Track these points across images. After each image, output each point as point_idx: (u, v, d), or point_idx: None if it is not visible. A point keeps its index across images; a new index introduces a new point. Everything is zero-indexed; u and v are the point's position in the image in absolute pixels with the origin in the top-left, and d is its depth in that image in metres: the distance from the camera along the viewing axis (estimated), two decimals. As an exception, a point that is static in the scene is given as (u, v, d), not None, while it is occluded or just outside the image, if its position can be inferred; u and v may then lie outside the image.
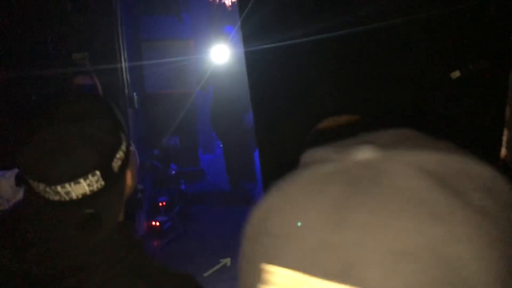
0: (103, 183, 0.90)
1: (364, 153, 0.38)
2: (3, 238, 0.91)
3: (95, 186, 0.89)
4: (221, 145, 5.53)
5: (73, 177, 0.86)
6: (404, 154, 0.36)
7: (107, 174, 0.91)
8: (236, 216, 4.52)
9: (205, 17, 5.68)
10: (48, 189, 0.86)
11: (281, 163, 1.77)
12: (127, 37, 3.98)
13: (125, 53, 3.60)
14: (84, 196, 0.88)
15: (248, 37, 1.73)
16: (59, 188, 0.86)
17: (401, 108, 1.54)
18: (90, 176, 0.88)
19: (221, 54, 4.67)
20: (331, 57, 1.64)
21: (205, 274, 3.40)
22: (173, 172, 5.34)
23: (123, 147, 0.96)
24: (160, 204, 4.54)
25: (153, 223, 4.30)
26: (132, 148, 1.04)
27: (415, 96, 1.55)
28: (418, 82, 1.58)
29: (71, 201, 0.88)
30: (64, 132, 0.87)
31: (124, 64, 3.57)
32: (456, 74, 1.41)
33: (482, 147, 1.41)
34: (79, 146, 0.87)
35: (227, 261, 3.55)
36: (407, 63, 1.59)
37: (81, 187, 0.87)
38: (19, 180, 1.69)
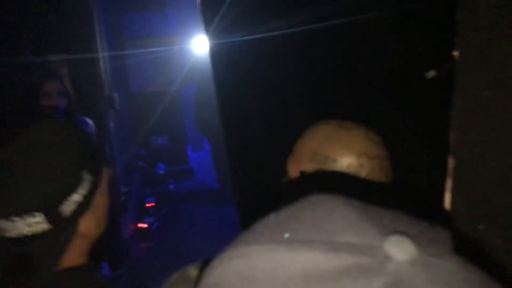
0: (48, 226, 0.82)
1: (402, 253, 0.33)
2: None
3: (39, 227, 0.81)
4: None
5: (7, 215, 0.79)
6: (442, 264, 0.33)
7: (51, 217, 0.82)
8: (224, 215, 4.47)
9: (190, 13, 5.57)
10: None
11: (249, 162, 1.71)
12: (109, 35, 3.88)
13: (105, 53, 3.51)
14: (24, 237, 0.81)
15: (213, 36, 1.66)
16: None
17: (373, 109, 1.48)
18: (27, 217, 0.80)
19: (202, 45, 4.60)
20: (299, 53, 1.57)
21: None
22: (162, 172, 5.28)
23: (82, 190, 0.86)
24: (148, 205, 4.48)
25: (141, 225, 4.24)
26: (103, 188, 0.94)
27: (389, 96, 1.49)
28: (391, 82, 1.51)
29: (8, 239, 0.81)
30: (14, 163, 0.80)
31: (103, 64, 3.48)
32: (431, 73, 1.34)
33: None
34: (23, 183, 0.80)
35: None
36: (380, 62, 1.52)
37: (17, 227, 0.80)
38: None
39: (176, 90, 5.31)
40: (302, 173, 1.00)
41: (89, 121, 2.60)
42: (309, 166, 0.99)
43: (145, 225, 4.24)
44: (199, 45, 4.71)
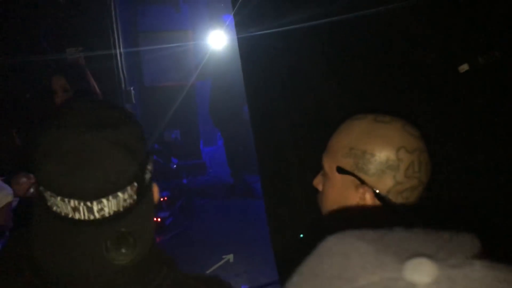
0: (135, 197, 0.78)
1: (423, 276, 0.32)
2: (18, 265, 0.80)
3: (128, 202, 0.77)
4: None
5: (112, 190, 0.74)
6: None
7: (142, 187, 0.79)
8: (238, 209, 4.46)
9: (204, 6, 5.56)
10: (81, 206, 0.74)
11: (278, 155, 1.70)
12: (123, 29, 3.88)
13: (121, 46, 3.51)
14: (116, 214, 0.76)
15: (241, 23, 1.64)
16: (94, 204, 0.74)
17: (403, 103, 1.46)
18: (129, 189, 0.76)
19: (218, 40, 4.58)
20: (328, 44, 1.55)
21: (208, 271, 3.35)
22: (174, 166, 5.28)
23: (151, 157, 0.84)
24: (162, 199, 4.49)
25: (155, 219, 4.25)
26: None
27: (419, 90, 1.46)
28: (422, 76, 1.48)
29: (102, 219, 0.76)
30: (93, 140, 0.74)
31: (120, 58, 3.49)
32: (464, 67, 1.31)
33: (497, 149, 1.33)
34: (114, 153, 0.74)
35: (230, 257, 3.50)
36: (410, 53, 1.49)
37: (117, 202, 0.75)
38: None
39: (190, 85, 5.31)
40: (339, 169, 0.99)
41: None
42: (346, 162, 0.97)
43: (159, 219, 4.25)
44: (214, 40, 4.69)
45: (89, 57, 3.18)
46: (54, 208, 0.76)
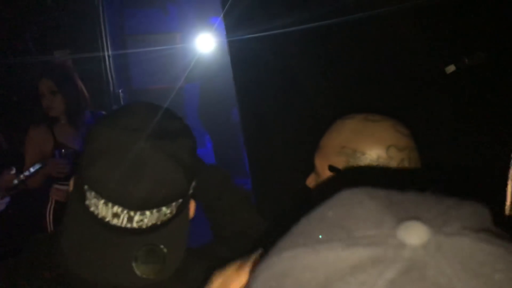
0: (174, 211, 0.75)
1: (414, 237, 0.34)
2: (45, 267, 0.77)
3: (167, 216, 0.74)
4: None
5: (158, 204, 0.72)
6: (453, 241, 0.34)
7: (184, 202, 0.76)
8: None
9: (192, 9, 5.55)
10: (123, 214, 0.71)
11: (269, 157, 1.70)
12: (112, 31, 3.86)
13: (109, 49, 3.49)
14: (153, 226, 0.73)
15: (231, 26, 1.65)
16: (137, 214, 0.71)
17: (392, 103, 1.48)
18: (173, 205, 0.73)
19: (206, 42, 4.57)
20: (318, 47, 1.56)
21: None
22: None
23: (198, 172, 0.80)
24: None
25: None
26: None
27: (407, 91, 1.49)
28: (410, 76, 1.51)
29: (138, 229, 0.72)
30: (151, 149, 0.71)
31: (108, 60, 3.47)
32: (451, 68, 1.34)
33: (482, 148, 1.35)
34: (169, 167, 0.72)
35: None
36: (398, 56, 1.52)
37: (158, 216, 0.73)
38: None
39: (178, 87, 5.30)
40: (331, 168, 1.00)
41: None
42: (338, 160, 0.99)
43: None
44: (203, 42, 4.69)
45: (77, 60, 3.16)
46: (92, 209, 0.73)
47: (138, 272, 0.73)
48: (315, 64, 1.53)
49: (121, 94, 3.58)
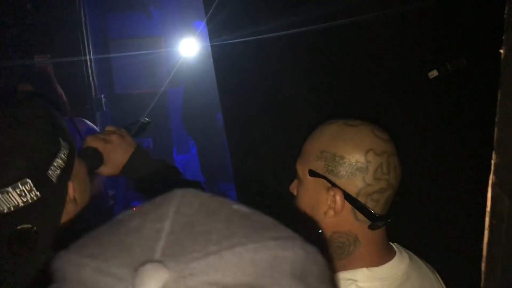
0: (38, 193, 0.84)
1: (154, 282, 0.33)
2: None
3: (29, 197, 0.83)
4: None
5: (1, 186, 0.81)
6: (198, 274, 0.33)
7: (41, 183, 0.85)
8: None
9: (175, 13, 5.53)
10: None
11: (253, 162, 1.69)
12: (93, 36, 3.82)
13: (91, 53, 3.44)
14: (17, 209, 0.83)
15: (215, 31, 1.64)
16: None
17: (375, 108, 1.48)
18: (19, 185, 0.82)
19: (189, 47, 4.56)
20: (302, 53, 1.57)
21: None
22: (147, 174, 5.19)
23: (63, 154, 0.90)
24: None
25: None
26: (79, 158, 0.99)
27: (390, 95, 1.49)
28: (393, 81, 1.52)
29: (4, 215, 0.82)
30: None
31: (90, 65, 3.42)
32: (433, 73, 1.35)
33: (464, 152, 1.36)
34: (5, 153, 0.82)
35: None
36: (381, 61, 1.53)
37: (12, 198, 0.82)
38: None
39: (162, 92, 5.26)
40: (311, 173, 1.00)
41: (87, 122, 2.54)
42: (317, 165, 0.99)
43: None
44: (186, 46, 4.67)
45: (59, 65, 3.11)
46: None
47: (9, 256, 0.83)
48: (299, 69, 1.53)
49: (103, 99, 3.54)
